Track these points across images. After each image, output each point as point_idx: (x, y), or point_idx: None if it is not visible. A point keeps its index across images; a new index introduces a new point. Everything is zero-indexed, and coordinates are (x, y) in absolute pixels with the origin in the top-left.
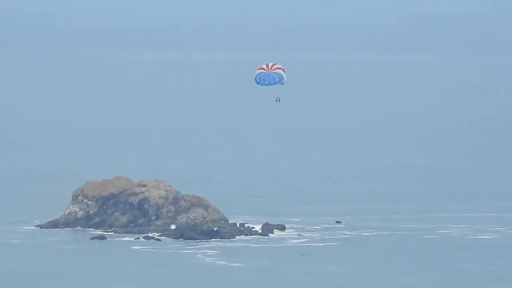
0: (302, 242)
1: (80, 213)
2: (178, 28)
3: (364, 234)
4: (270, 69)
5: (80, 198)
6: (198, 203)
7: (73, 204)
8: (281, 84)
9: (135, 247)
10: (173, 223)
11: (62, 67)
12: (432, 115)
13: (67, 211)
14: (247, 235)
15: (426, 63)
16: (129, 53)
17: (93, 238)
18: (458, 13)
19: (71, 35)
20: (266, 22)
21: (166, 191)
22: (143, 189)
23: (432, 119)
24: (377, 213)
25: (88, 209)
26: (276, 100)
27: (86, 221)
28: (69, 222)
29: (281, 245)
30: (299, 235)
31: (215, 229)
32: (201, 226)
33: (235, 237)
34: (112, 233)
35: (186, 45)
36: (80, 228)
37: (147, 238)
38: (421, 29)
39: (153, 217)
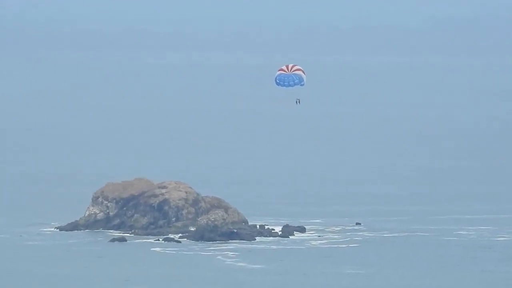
0: (322, 244)
1: (100, 215)
2: (197, 31)
3: (384, 235)
4: (290, 70)
5: (100, 199)
6: (218, 204)
7: (93, 205)
8: (301, 85)
9: (155, 249)
10: (193, 224)
11: (74, 69)
12: (447, 115)
13: (87, 212)
14: (267, 237)
15: (443, 65)
16: (147, 54)
17: (113, 240)
18: (463, 16)
19: (80, 38)
20: (282, 24)
21: (186, 192)
22: (163, 190)
23: (448, 120)
24: (396, 214)
25: (108, 210)
26: (296, 102)
27: (106, 223)
28: (89, 223)
29: (302, 246)
30: (319, 236)
31: (235, 230)
32: (221, 227)
33: (255, 239)
34: (132, 235)
35: (204, 47)
36: (100, 230)
37: (167, 239)
38: (435, 32)
39: (173, 219)
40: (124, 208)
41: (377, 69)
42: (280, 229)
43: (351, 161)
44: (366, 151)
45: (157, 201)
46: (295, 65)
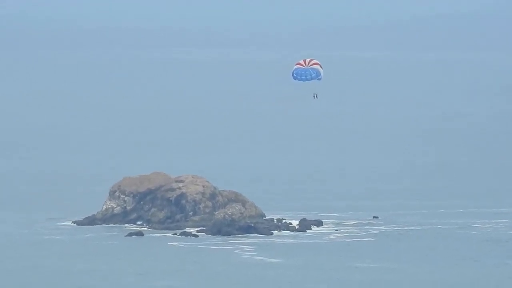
0: (340, 237)
1: (117, 209)
2: (211, 27)
3: (401, 229)
4: (308, 64)
5: (117, 194)
6: (235, 198)
7: (110, 200)
8: (318, 79)
9: (172, 243)
10: (210, 218)
11: (82, 68)
12: (460, 111)
13: (104, 207)
14: (284, 231)
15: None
16: (160, 50)
17: (130, 234)
18: (470, 11)
19: (82, 37)
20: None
21: (203, 186)
22: (180, 184)
23: (462, 115)
24: (413, 208)
25: (125, 205)
26: (314, 97)
27: (124, 217)
28: (106, 218)
29: (319, 240)
30: (337, 230)
31: (252, 225)
32: (239, 221)
33: (272, 233)
34: (150, 229)
35: (218, 44)
36: (117, 224)
37: (184, 234)
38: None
39: (191, 213)
40: (141, 202)
41: (391, 65)
42: (297, 223)
43: (365, 157)
44: (380, 148)
45: (174, 195)
46: (313, 59)
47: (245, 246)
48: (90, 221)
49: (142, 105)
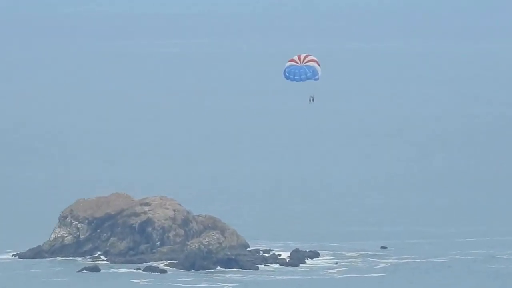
0: (341, 273)
1: (69, 239)
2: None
3: (414, 261)
4: (303, 61)
5: (68, 220)
6: (213, 225)
7: (60, 227)
8: (315, 79)
9: (135, 281)
10: (182, 250)
11: (53, 61)
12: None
13: (53, 236)
14: (272, 265)
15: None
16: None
17: (84, 270)
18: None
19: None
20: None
21: (174, 210)
22: (146, 208)
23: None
24: (428, 236)
25: (78, 233)
26: (310, 100)
27: (76, 248)
28: (55, 249)
29: (316, 276)
30: (337, 263)
31: (233, 257)
32: (217, 253)
33: (258, 268)
34: (108, 262)
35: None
36: (68, 257)
37: (150, 269)
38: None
39: (158, 243)
40: (98, 230)
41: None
42: (289, 255)
43: (368, 168)
44: (387, 156)
45: (139, 221)
46: (309, 55)
47: (224, 284)
48: (35, 253)
49: (99, 109)
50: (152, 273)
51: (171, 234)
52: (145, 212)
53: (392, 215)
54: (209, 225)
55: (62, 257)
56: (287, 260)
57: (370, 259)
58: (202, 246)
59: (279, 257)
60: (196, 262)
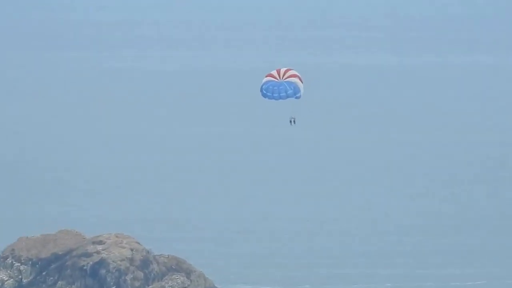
0: None
1: (10, 283)
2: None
3: None
4: (282, 77)
5: (9, 261)
6: (176, 266)
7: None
8: (296, 98)
9: None
10: None
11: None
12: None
13: None
14: None
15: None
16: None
17: None
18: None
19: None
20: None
21: (131, 250)
22: (99, 247)
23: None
24: (442, 279)
25: (20, 276)
26: (291, 122)
27: None
28: None
29: None
30: None
31: None
32: None
33: None
34: None
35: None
36: None
37: None
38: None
39: (114, 287)
40: (44, 273)
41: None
42: None
43: (367, 201)
44: (387, 187)
45: (91, 263)
46: (290, 69)
47: None
48: None
49: (44, 136)
50: None
51: (128, 278)
52: (98, 252)
53: (392, 256)
54: (173, 266)
55: None
56: None
57: None
58: None
59: None
60: None
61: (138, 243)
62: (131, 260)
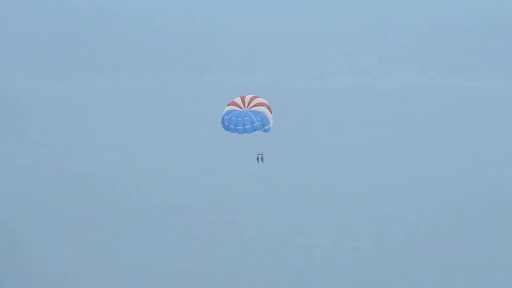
0: None
1: None
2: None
3: None
4: (247, 105)
5: None
6: None
7: None
8: (265, 131)
9: None
10: None
11: None
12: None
13: None
14: None
15: None
16: None
17: None
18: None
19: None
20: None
21: None
22: None
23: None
24: None
25: None
26: (258, 159)
27: None
28: None
29: None
30: None
31: None
32: None
33: None
34: None
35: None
36: None
37: None
38: None
39: None
40: None
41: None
42: None
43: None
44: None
45: None
46: (256, 97)
47: None
48: None
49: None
50: None
51: None
52: None
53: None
54: None
55: None
56: None
57: None
58: None
59: None
60: None
61: None
62: None
